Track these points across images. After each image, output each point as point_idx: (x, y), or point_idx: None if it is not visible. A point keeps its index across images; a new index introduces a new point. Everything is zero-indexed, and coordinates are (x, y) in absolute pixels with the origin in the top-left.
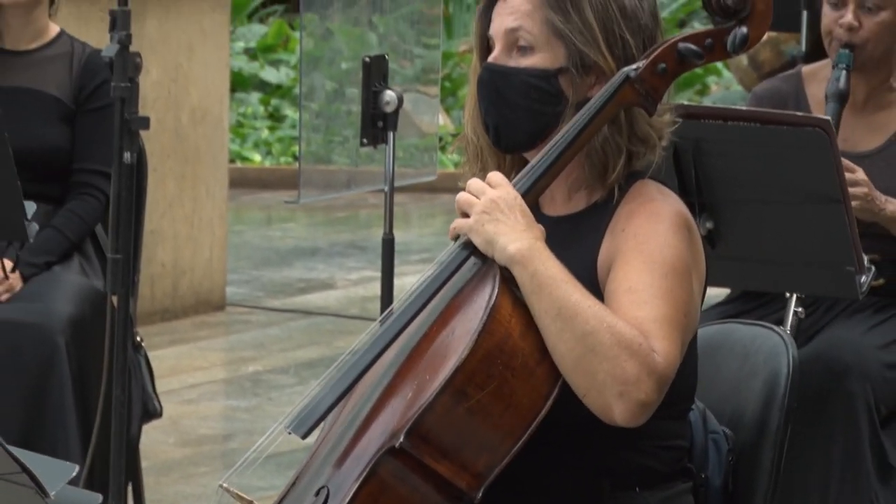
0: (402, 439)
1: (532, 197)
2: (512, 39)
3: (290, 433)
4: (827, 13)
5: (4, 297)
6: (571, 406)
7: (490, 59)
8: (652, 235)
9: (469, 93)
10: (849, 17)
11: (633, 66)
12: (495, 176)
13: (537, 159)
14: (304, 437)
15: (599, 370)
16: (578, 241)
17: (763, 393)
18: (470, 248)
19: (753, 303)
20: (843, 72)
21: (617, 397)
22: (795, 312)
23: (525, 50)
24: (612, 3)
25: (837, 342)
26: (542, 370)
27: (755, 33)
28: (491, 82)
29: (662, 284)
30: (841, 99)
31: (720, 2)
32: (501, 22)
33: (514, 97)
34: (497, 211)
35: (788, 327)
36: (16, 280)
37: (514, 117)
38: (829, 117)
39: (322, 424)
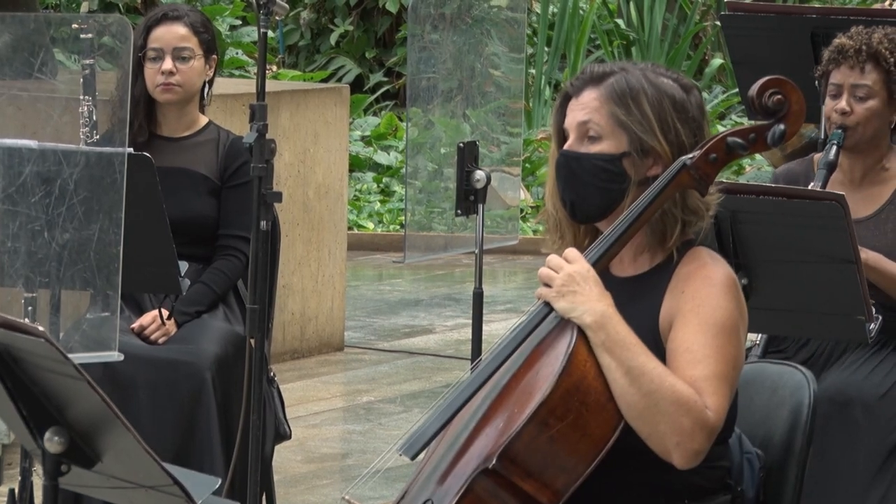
0: (494, 462)
1: (602, 264)
2: (583, 130)
3: (401, 455)
4: (828, 102)
5: (162, 339)
6: (635, 436)
7: (565, 146)
8: (706, 298)
9: (549, 174)
10: (842, 103)
11: (690, 156)
12: (571, 252)
13: (608, 232)
14: (413, 458)
15: (660, 422)
16: (643, 299)
17: (789, 420)
18: (550, 306)
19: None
20: (834, 146)
21: (675, 446)
22: None
23: (594, 139)
24: (665, 98)
25: (843, 382)
26: (612, 406)
27: (791, 129)
28: (566, 165)
29: (714, 343)
30: (830, 167)
31: (762, 104)
32: (574, 116)
33: (586, 177)
34: (573, 283)
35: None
36: (171, 326)
37: (587, 194)
38: (842, 193)
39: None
